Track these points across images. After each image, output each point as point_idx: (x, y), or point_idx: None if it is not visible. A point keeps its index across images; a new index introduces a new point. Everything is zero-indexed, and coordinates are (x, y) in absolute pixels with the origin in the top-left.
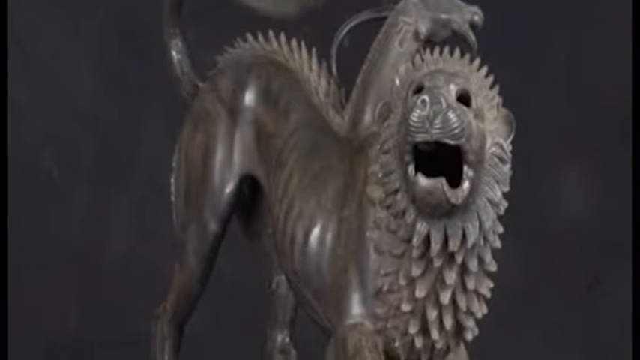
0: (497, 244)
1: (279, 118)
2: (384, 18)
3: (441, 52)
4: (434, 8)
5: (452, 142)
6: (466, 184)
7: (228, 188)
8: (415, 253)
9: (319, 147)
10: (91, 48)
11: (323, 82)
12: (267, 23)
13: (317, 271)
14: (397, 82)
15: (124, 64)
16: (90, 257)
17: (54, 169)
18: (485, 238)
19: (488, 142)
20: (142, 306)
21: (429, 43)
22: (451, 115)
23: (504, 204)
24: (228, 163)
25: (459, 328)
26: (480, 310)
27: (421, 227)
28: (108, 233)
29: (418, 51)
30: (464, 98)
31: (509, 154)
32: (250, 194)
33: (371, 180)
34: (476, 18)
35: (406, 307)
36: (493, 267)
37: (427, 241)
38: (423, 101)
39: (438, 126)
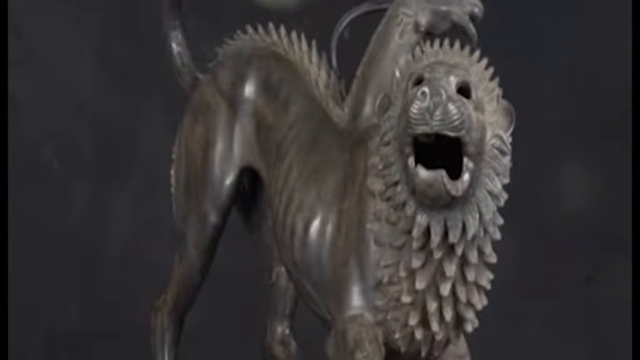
0: (497, 236)
1: (279, 110)
2: (384, 10)
3: (441, 44)
4: (434, 0)
5: (452, 134)
6: (466, 176)
7: (228, 180)
8: (415, 245)
9: (319, 139)
10: (91, 41)
11: (323, 74)
12: (267, 15)
13: (317, 263)
14: (397, 74)
15: (124, 57)
16: (90, 250)
17: (54, 162)
18: (486, 230)
19: (489, 134)
20: (141, 298)
21: (429, 35)
22: (451, 106)
23: (504, 196)
24: (228, 155)
25: (458, 320)
26: (480, 302)
27: (421, 219)
28: (108, 226)
29: (418, 43)
30: (464, 90)
31: (509, 146)
32: (250, 186)
33: (371, 172)
34: (476, 10)
35: (406, 299)
36: (493, 259)
37: (427, 233)
38: (423, 93)
39: (438, 118)
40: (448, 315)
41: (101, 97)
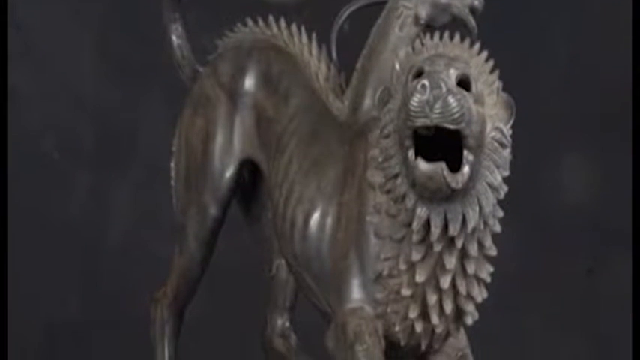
0: (497, 228)
1: (279, 102)
2: (384, 2)
3: (441, 37)
4: None
5: (452, 127)
6: (466, 169)
7: (228, 173)
8: (415, 237)
9: (319, 132)
10: (91, 33)
11: (323, 66)
12: (267, 8)
13: (317, 255)
14: (397, 66)
15: (124, 49)
16: (90, 241)
17: (54, 153)
18: (486, 223)
19: (488, 127)
20: (142, 289)
21: (429, 27)
22: (451, 99)
23: (504, 188)
24: (228, 148)
25: (458, 313)
26: (480, 294)
27: (421, 212)
28: (108, 217)
29: (418, 35)
30: (464, 83)
31: (509, 139)
32: (250, 179)
33: (371, 164)
34: (476, 2)
35: (406, 291)
36: (493, 251)
37: (427, 225)
38: (423, 86)
39: (438, 110)
40: (448, 307)
41: (101, 90)
